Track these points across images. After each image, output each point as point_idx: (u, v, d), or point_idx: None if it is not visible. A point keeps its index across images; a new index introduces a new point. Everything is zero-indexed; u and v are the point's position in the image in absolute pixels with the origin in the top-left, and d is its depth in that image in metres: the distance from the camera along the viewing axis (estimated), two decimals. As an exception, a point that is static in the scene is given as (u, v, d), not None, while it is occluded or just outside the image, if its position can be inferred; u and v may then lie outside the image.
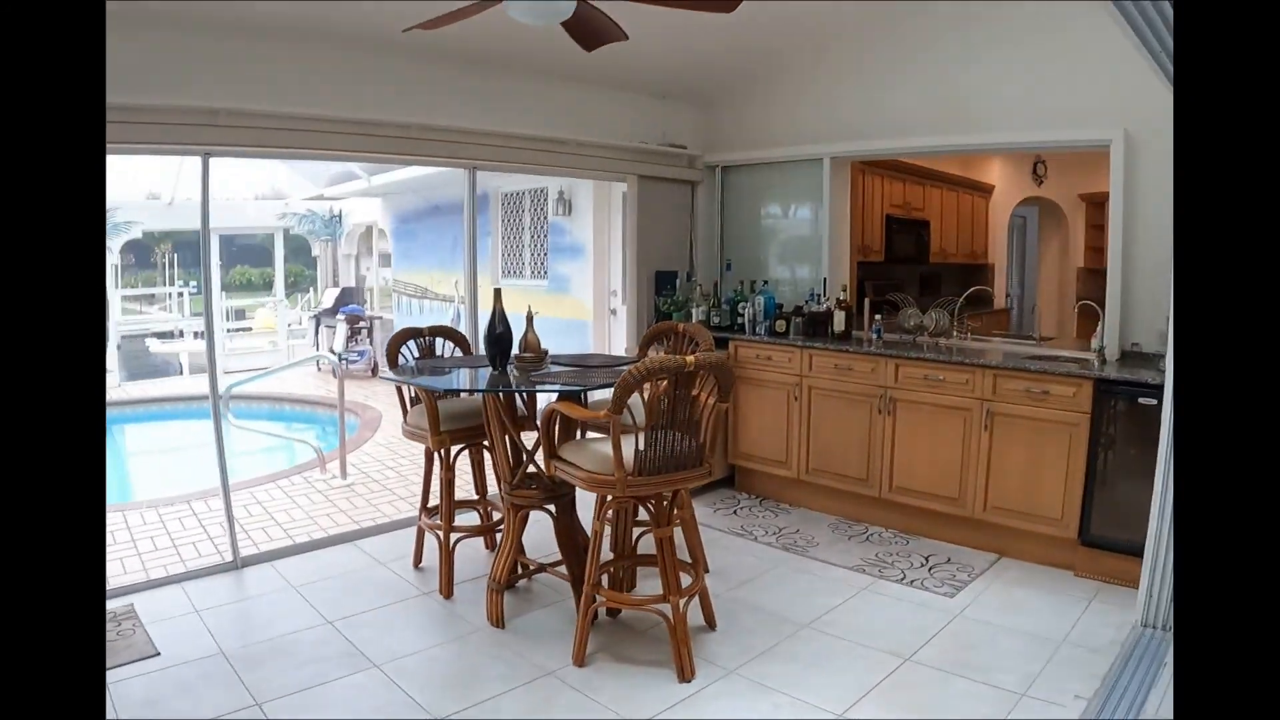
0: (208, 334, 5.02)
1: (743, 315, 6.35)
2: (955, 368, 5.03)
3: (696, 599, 3.98)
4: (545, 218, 10.10)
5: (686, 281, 6.78)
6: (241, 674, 3.65)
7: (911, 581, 4.64)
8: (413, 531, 5.03)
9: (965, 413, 4.98)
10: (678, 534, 3.95)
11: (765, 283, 6.57)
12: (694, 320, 6.32)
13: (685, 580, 3.87)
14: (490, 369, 4.30)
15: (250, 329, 16.76)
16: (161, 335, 16.02)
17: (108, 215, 12.51)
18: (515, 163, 5.90)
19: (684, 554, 4.22)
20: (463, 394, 4.70)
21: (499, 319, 4.24)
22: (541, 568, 4.40)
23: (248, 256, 21.78)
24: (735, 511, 5.92)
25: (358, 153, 5.22)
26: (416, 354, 4.97)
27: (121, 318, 17.44)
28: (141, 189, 12.80)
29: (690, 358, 3.41)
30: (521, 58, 5.48)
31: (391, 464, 7.48)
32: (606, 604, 3.97)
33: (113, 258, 13.08)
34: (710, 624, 4.07)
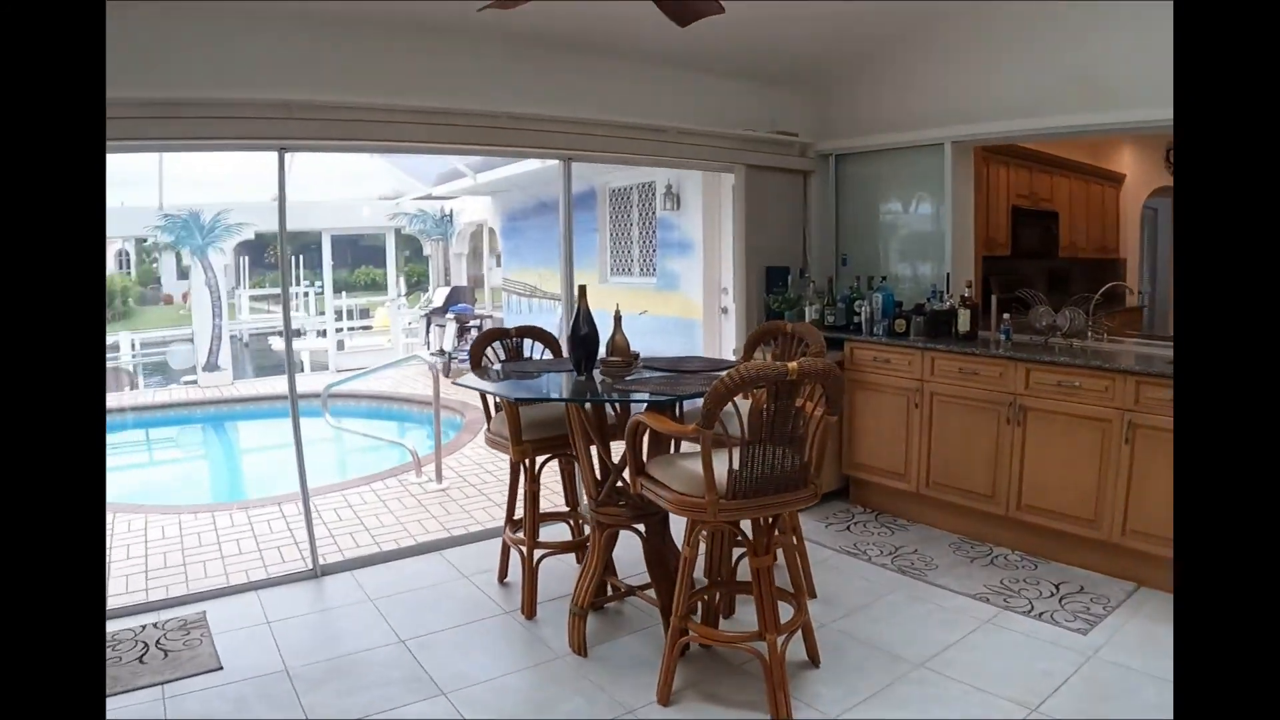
0: (285, 334, 4.87)
1: (859, 314, 5.91)
2: (1093, 373, 4.51)
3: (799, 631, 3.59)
4: (653, 213, 9.82)
5: (799, 278, 6.36)
6: (301, 695, 3.44)
7: (1040, 614, 4.15)
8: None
9: (1104, 424, 4.46)
10: (780, 557, 3.58)
11: (884, 279, 6.11)
12: (807, 319, 5.91)
13: (786, 613, 3.48)
14: (575, 374, 3.98)
15: (370, 327, 17.20)
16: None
17: (220, 217, 12.93)
18: (612, 153, 5.57)
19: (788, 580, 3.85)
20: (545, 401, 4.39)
21: (583, 318, 3.90)
22: (631, 591, 4.06)
23: (372, 257, 22.54)
24: (848, 527, 5.50)
25: (442, 144, 4.96)
26: (503, 356, 4.70)
27: (248, 317, 18.09)
28: (267, 191, 13.04)
29: (793, 364, 3.02)
30: (615, 40, 5.16)
31: (491, 467, 7.25)
32: (696, 639, 3.60)
33: (225, 259, 13.37)
34: (813, 659, 3.67)
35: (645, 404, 3.54)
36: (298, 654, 3.81)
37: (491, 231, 14.55)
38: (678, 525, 3.76)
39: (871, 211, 6.39)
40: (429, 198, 14.47)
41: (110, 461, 10.75)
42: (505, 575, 4.64)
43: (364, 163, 12.74)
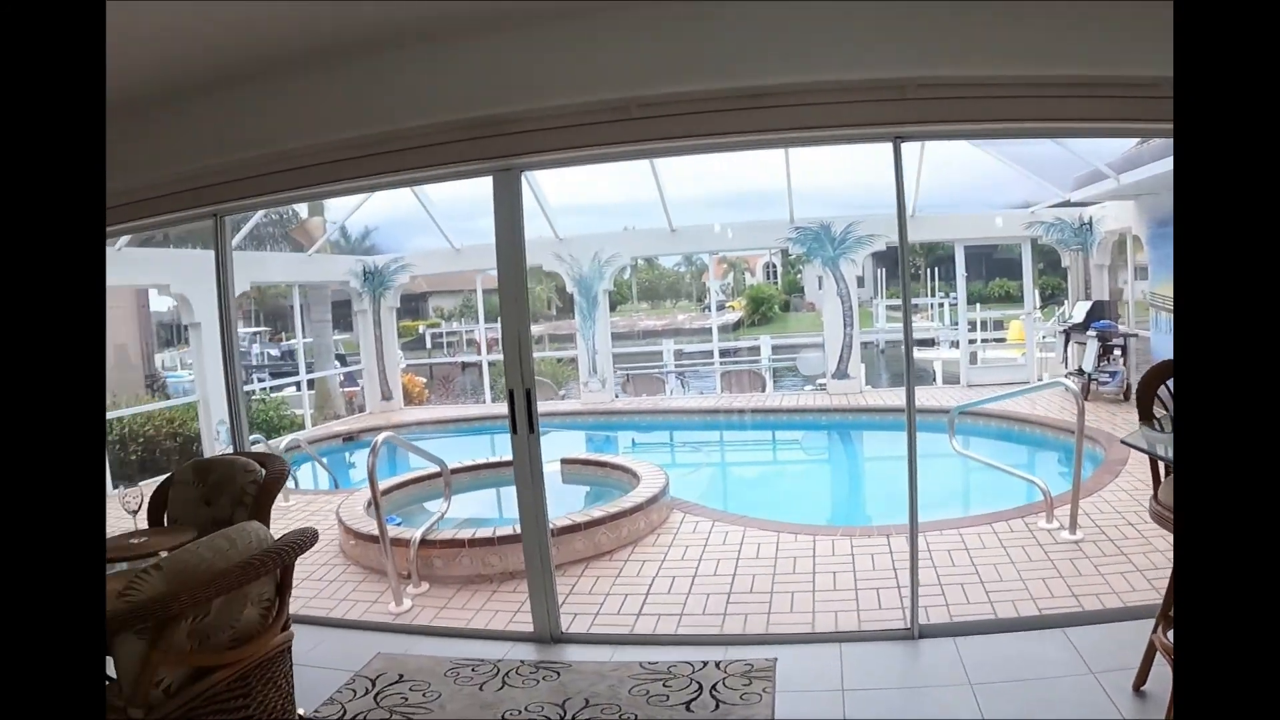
0: (905, 347, 4.42)
1: None
2: None
3: None
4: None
5: None
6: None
7: None
8: (1145, 628, 3.66)
9: None
10: None
11: None
12: None
13: None
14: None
15: (1003, 340, 17.18)
16: (921, 343, 16.70)
17: (851, 229, 13.32)
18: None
19: None
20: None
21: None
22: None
23: (1005, 269, 23.63)
24: None
25: (1096, 122, 4.01)
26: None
27: (884, 325, 18.68)
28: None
29: None
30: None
31: (1135, 520, 6.03)
32: None
33: (855, 269, 13.72)
34: None
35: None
36: (861, 742, 3.33)
37: (1136, 240, 12.96)
38: None
39: None
40: (1066, 204, 13.40)
41: (730, 456, 11.40)
42: (1144, 683, 3.62)
43: (996, 171, 12.08)
